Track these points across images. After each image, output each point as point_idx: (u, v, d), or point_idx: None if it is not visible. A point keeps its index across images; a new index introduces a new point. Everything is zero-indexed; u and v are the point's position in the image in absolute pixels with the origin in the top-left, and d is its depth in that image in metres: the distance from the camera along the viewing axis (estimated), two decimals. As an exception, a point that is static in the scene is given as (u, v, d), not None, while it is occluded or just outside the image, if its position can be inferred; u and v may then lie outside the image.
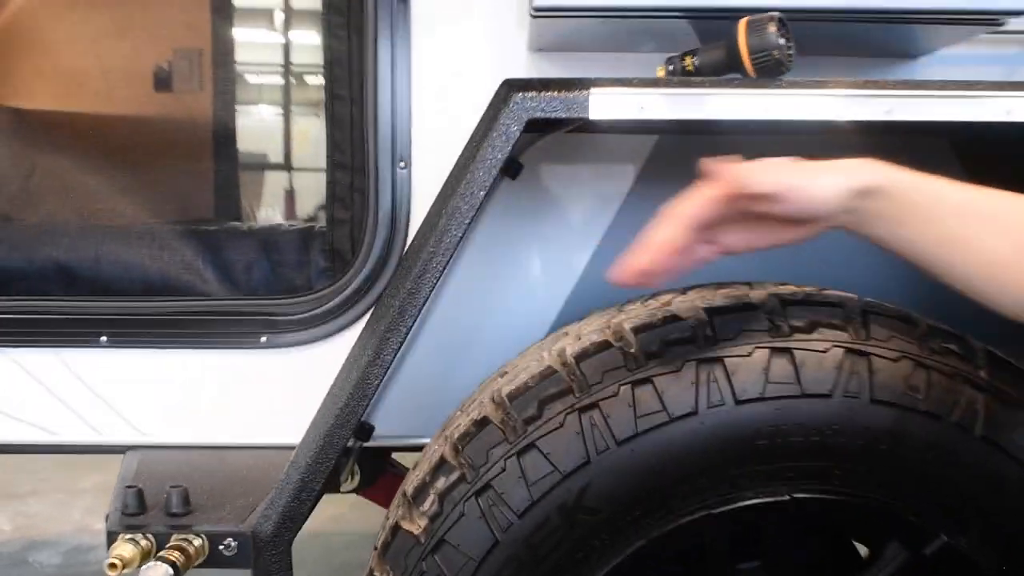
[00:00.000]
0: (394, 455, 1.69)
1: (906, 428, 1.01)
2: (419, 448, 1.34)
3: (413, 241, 1.29)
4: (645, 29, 1.24)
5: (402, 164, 1.41)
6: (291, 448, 1.24)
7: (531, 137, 1.34)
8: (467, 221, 1.04)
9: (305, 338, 1.44)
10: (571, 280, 1.44)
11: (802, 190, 0.88)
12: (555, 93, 1.02)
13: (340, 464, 1.43)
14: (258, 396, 1.46)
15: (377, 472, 1.60)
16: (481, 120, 1.08)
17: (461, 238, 1.06)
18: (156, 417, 1.47)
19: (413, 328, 1.19)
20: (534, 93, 1.03)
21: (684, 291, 1.18)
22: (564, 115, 1.02)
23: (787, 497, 1.04)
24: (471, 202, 1.04)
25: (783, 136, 1.34)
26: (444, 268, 1.06)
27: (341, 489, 1.53)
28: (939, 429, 1.01)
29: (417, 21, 1.38)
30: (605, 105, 1.02)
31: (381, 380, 1.09)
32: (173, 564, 1.05)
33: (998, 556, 1.04)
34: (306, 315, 1.44)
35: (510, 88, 1.05)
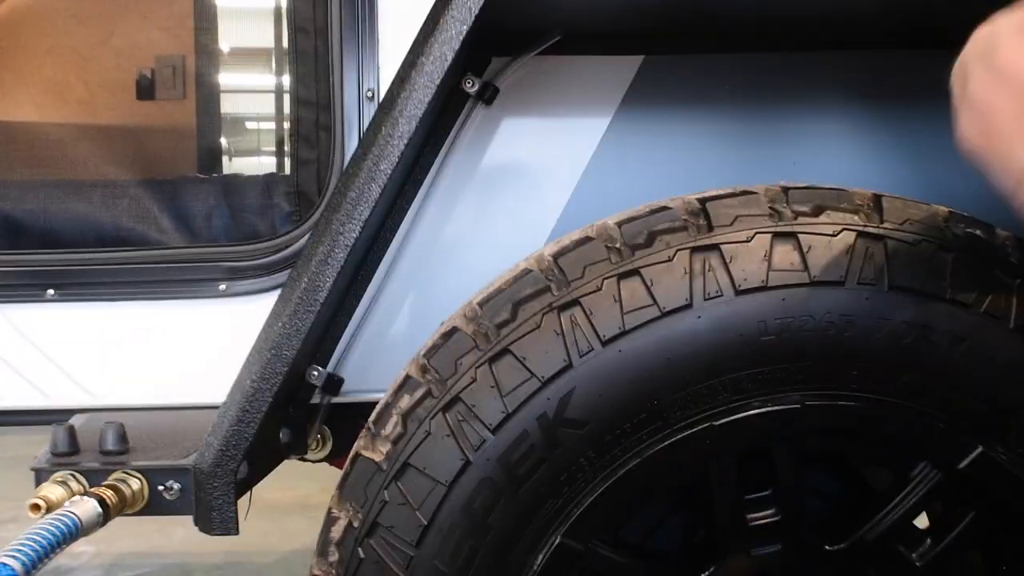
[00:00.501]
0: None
1: (930, 319, 0.89)
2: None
3: (362, 139, 1.17)
4: None
5: (370, 94, 1.31)
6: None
7: (505, 61, 1.24)
8: (424, 105, 0.92)
9: (267, 285, 1.32)
10: (555, 213, 1.33)
11: None
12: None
13: (306, 425, 1.31)
14: (218, 350, 1.33)
15: (351, 438, 1.47)
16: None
17: (414, 132, 0.94)
18: (108, 377, 1.35)
19: (369, 237, 1.07)
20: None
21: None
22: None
23: (798, 405, 0.91)
24: (429, 80, 0.92)
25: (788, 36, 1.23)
26: (395, 166, 0.94)
27: (310, 456, 1.40)
28: (968, 320, 0.89)
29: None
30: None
31: (333, 283, 0.96)
32: (101, 500, 0.92)
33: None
34: (268, 260, 1.33)
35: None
